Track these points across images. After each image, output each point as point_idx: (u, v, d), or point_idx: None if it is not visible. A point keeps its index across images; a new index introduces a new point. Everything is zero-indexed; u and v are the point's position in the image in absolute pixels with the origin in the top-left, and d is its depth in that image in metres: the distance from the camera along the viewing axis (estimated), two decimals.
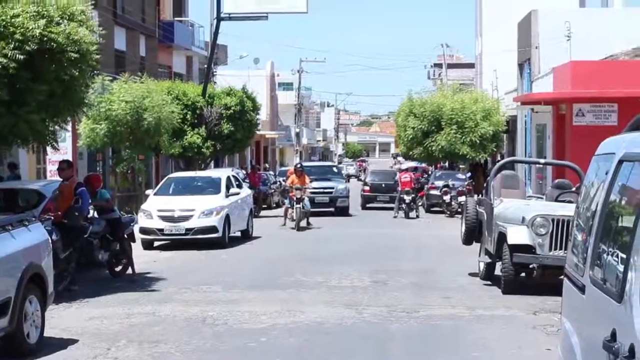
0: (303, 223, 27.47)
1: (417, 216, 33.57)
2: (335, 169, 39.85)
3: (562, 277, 6.48)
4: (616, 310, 4.41)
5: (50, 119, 15.48)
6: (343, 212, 34.20)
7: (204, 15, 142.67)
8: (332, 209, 34.04)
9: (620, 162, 5.06)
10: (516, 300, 13.84)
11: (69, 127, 20.66)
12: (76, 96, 15.25)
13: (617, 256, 4.69)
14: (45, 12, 14.60)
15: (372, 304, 13.53)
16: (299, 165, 29.90)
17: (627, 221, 4.66)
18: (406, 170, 36.73)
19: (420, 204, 35.89)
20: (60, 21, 14.56)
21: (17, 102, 14.62)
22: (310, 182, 29.24)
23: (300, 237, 24.76)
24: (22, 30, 14.12)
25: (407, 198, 32.79)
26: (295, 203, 27.16)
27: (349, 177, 67.46)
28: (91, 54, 15.09)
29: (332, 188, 34.40)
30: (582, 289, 5.34)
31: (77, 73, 14.73)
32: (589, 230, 5.38)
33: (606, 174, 5.27)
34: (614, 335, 4.39)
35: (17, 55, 13.95)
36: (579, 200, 6.20)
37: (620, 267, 4.51)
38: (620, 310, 4.33)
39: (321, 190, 33.73)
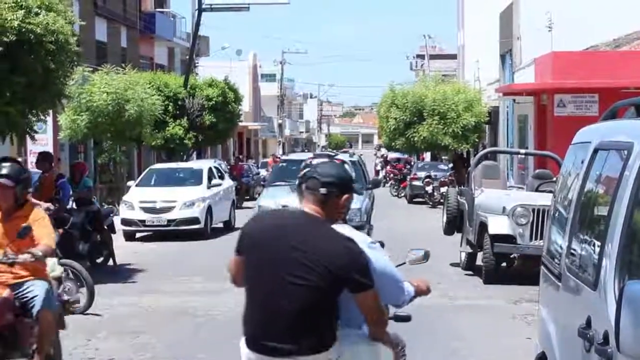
0: None
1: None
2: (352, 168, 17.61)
3: None
4: (591, 297, 4.43)
5: (28, 110, 15.37)
6: None
7: (185, 7, 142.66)
8: None
9: (596, 150, 5.07)
10: (497, 290, 13.90)
11: (49, 119, 20.50)
12: (55, 88, 15.13)
13: (592, 244, 4.71)
14: (24, 3, 14.47)
15: None
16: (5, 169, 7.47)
17: (602, 210, 4.68)
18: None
19: (402, 194, 36.30)
20: (39, 11, 14.44)
21: None
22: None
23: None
24: (0, 21, 14.00)
25: None
26: None
27: None
28: (70, 45, 14.97)
29: None
30: (558, 277, 5.36)
31: (53, 65, 14.60)
32: (565, 219, 5.40)
33: (582, 162, 5.28)
34: (589, 322, 4.40)
35: None
36: (556, 189, 6.22)
37: (596, 255, 4.52)
38: (595, 298, 4.35)
39: None
